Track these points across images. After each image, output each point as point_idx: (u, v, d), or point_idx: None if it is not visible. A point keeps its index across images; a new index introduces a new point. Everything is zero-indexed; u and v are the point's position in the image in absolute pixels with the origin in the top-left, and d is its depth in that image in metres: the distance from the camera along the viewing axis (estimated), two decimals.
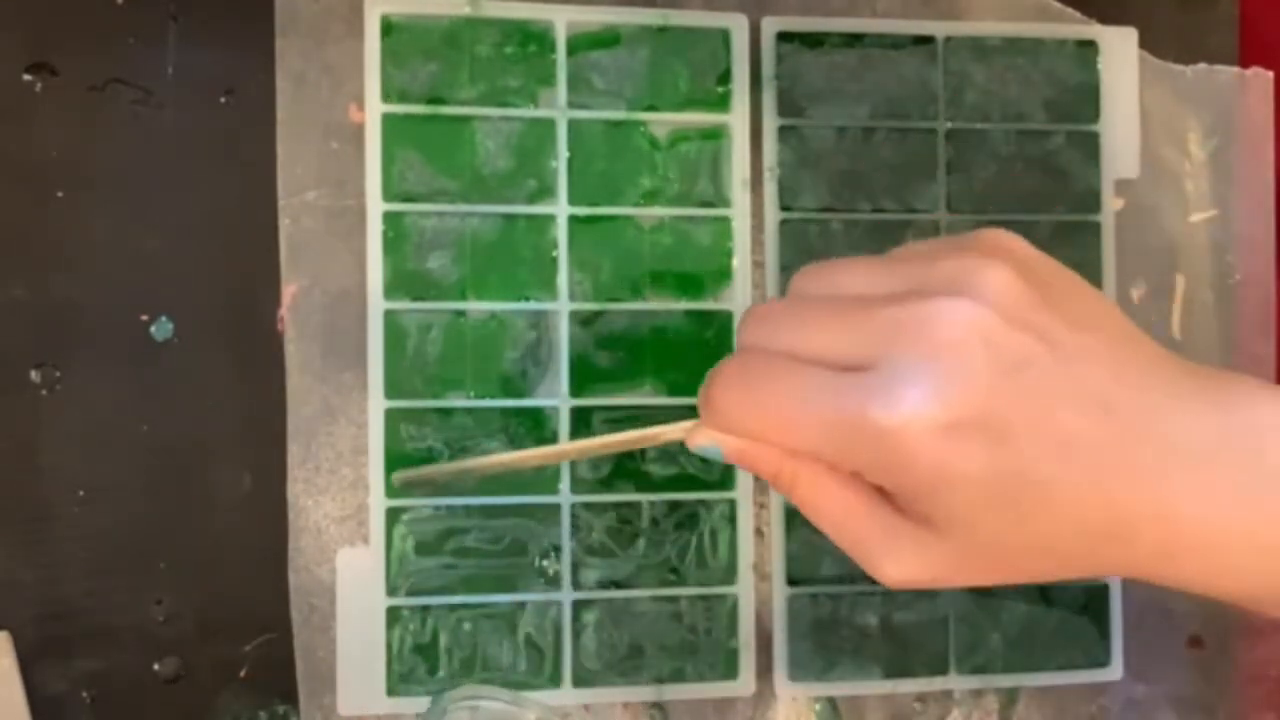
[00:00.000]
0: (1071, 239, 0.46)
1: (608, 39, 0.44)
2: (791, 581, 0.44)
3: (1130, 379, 0.27)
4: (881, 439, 0.26)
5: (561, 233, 0.43)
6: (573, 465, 0.43)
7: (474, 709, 0.34)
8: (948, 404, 0.26)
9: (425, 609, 0.42)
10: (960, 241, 0.29)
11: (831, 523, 0.29)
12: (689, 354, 0.43)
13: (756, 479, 0.44)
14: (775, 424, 0.28)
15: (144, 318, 0.41)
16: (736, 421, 0.29)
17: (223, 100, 0.42)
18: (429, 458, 0.42)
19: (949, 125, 0.45)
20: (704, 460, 0.40)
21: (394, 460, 0.42)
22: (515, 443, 0.42)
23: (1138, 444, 0.27)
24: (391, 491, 0.42)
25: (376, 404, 0.42)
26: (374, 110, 0.42)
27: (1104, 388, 0.27)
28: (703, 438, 0.30)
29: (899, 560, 0.28)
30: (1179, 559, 0.28)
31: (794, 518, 0.44)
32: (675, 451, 0.43)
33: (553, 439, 0.43)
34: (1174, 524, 0.27)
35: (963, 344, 0.26)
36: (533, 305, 0.43)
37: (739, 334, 0.30)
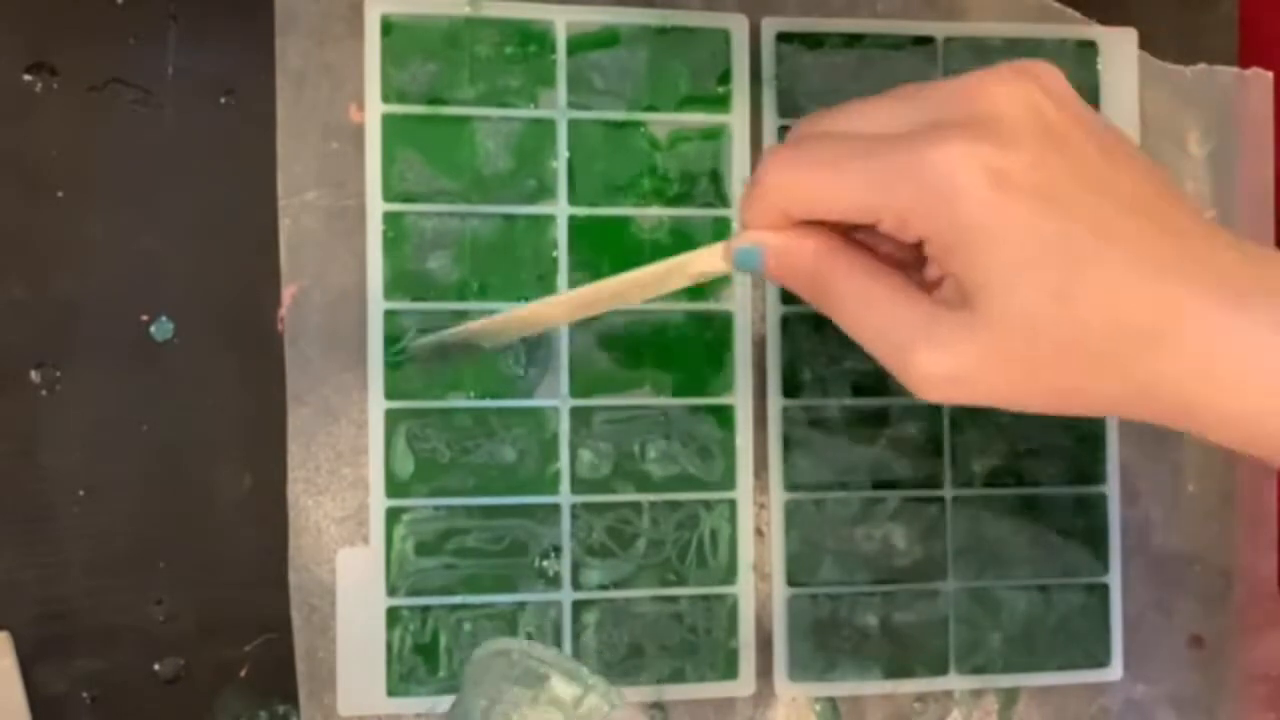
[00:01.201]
0: None
1: (608, 39, 0.44)
2: (791, 581, 0.44)
3: (1176, 195, 0.28)
4: (931, 175, 0.26)
5: (561, 233, 0.43)
6: (573, 465, 0.43)
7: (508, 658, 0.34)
8: (997, 151, 0.26)
9: (425, 609, 0.42)
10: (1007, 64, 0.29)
11: (865, 315, 0.29)
12: (689, 354, 0.43)
13: (757, 477, 0.44)
14: (825, 180, 0.28)
15: (144, 318, 0.41)
16: (786, 189, 0.29)
17: (223, 100, 0.42)
18: (431, 458, 0.42)
19: None
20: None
21: (394, 460, 0.42)
22: (516, 444, 0.42)
23: (1183, 247, 0.27)
24: (392, 491, 0.42)
25: (376, 404, 0.42)
26: (374, 110, 0.42)
27: (1146, 196, 0.27)
28: (743, 240, 0.30)
29: (934, 347, 0.28)
30: (1216, 379, 0.27)
31: (794, 517, 0.44)
32: (675, 452, 0.43)
33: (553, 440, 0.43)
34: (1218, 332, 0.26)
35: (1017, 113, 0.27)
36: None
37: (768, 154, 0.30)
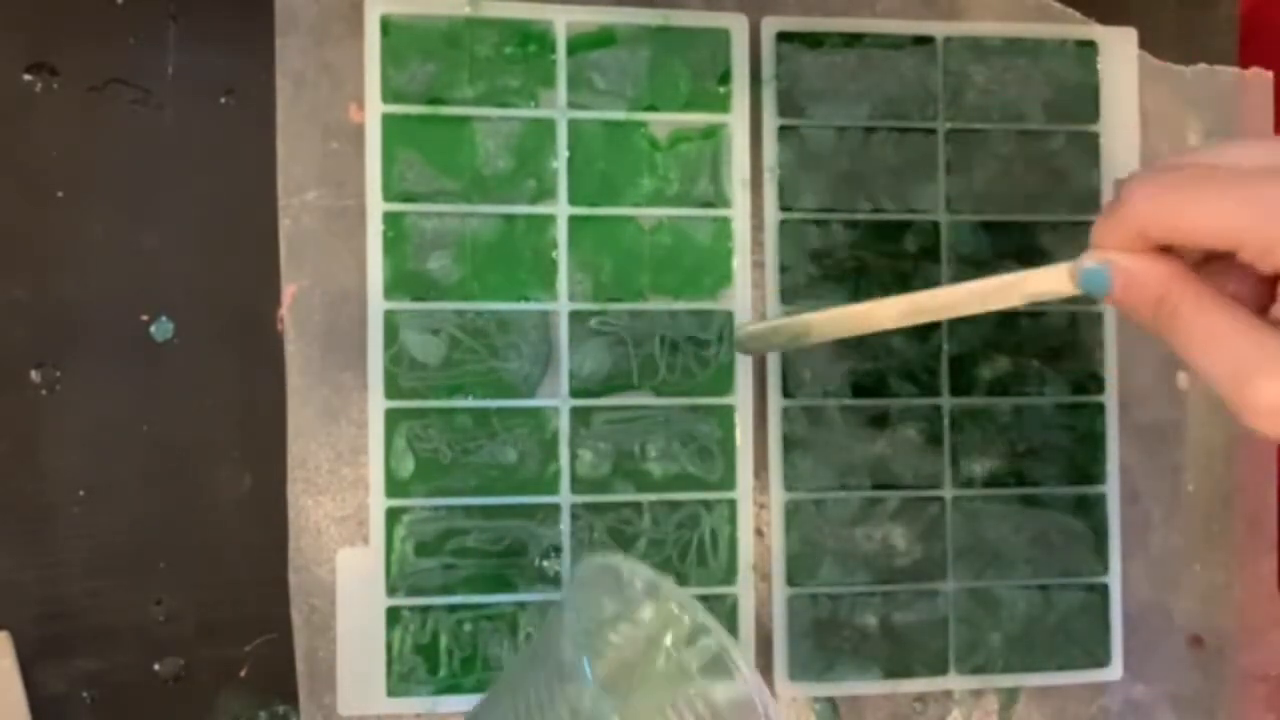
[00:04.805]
0: (1072, 239, 0.46)
1: (607, 39, 0.44)
2: (791, 581, 0.44)
3: None
4: None
5: (561, 233, 0.43)
6: (573, 465, 0.43)
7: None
8: None
9: (425, 609, 0.42)
10: None
11: (1213, 343, 0.29)
12: (689, 354, 0.43)
13: (757, 477, 0.44)
14: (1196, 200, 0.28)
15: (144, 318, 0.41)
16: (1151, 210, 0.29)
17: (223, 100, 0.42)
18: (431, 458, 0.42)
19: (949, 125, 0.45)
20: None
21: (394, 460, 0.42)
22: (517, 444, 0.42)
23: None
24: (391, 491, 0.42)
25: (376, 404, 0.42)
26: (374, 110, 0.42)
27: None
28: (1094, 260, 0.30)
29: (1272, 381, 0.28)
30: None
31: (794, 517, 0.44)
32: (675, 452, 0.43)
33: (553, 440, 0.43)
34: None
35: None
36: (533, 305, 0.43)
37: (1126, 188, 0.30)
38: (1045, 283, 0.32)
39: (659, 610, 0.34)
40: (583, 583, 0.33)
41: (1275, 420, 0.28)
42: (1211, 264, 0.30)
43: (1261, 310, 0.30)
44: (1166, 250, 0.30)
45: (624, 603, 0.34)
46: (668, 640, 0.34)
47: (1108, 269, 0.30)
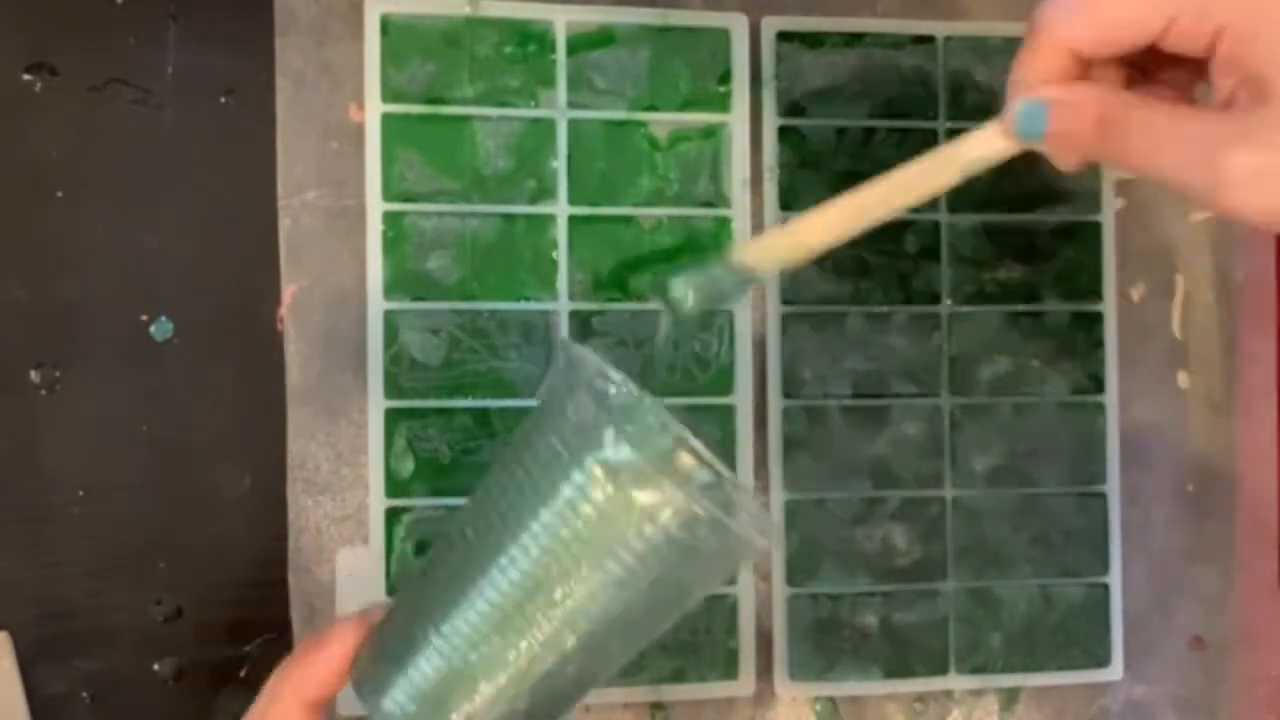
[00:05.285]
0: (1071, 239, 0.46)
1: (607, 39, 0.44)
2: (791, 581, 0.44)
3: None
4: None
5: (561, 233, 0.43)
6: None
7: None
8: None
9: None
10: None
11: (1166, 140, 0.28)
12: (689, 354, 0.43)
13: (756, 477, 0.44)
14: None
15: (144, 318, 0.41)
16: (1073, 20, 0.28)
17: (223, 100, 0.42)
18: (431, 458, 0.42)
19: (949, 125, 0.45)
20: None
21: (394, 460, 0.42)
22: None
23: None
24: (391, 491, 0.42)
25: (376, 404, 0.42)
26: (374, 110, 0.42)
27: None
28: (1022, 102, 0.29)
29: (1248, 150, 0.27)
30: None
31: (794, 517, 0.44)
32: None
33: None
34: None
35: None
36: (533, 305, 0.43)
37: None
38: (979, 146, 0.30)
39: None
40: (579, 361, 0.30)
41: (1251, 192, 0.27)
42: (1132, 86, 0.30)
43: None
44: (1085, 77, 0.29)
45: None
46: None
47: (1044, 104, 0.29)
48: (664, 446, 0.33)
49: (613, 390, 0.32)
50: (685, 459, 0.33)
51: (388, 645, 0.30)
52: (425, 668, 0.29)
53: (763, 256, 0.33)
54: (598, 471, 0.27)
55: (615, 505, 0.27)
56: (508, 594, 0.28)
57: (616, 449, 0.27)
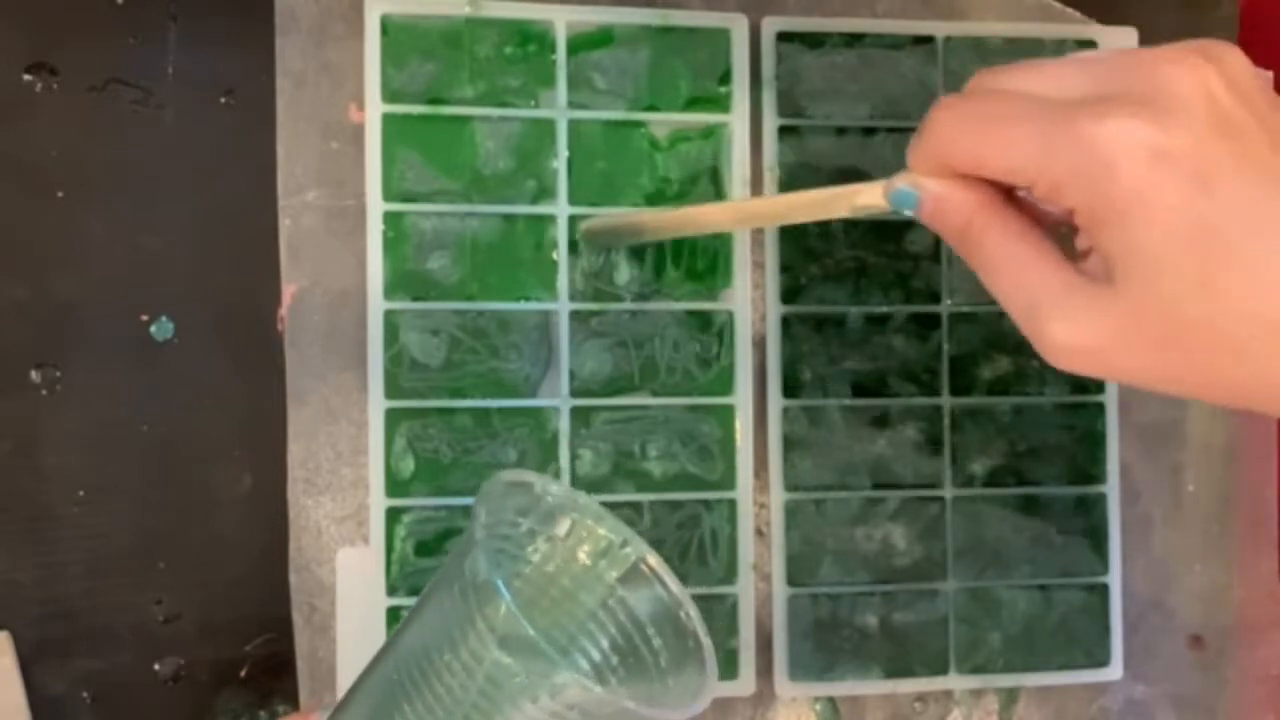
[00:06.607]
0: (1071, 239, 0.46)
1: (607, 39, 0.44)
2: (791, 581, 0.44)
3: None
4: (1090, 146, 0.26)
5: (561, 233, 0.43)
6: (572, 466, 0.43)
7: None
8: (1160, 130, 0.26)
9: None
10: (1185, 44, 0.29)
11: (1012, 276, 0.29)
12: (690, 355, 0.43)
13: (757, 477, 0.44)
14: (987, 138, 0.28)
15: (144, 318, 0.41)
16: (950, 141, 0.29)
17: (223, 100, 0.42)
18: (431, 458, 0.42)
19: None
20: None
21: (394, 460, 0.42)
22: (517, 444, 0.42)
23: None
24: (392, 491, 0.42)
25: (376, 404, 0.42)
26: (374, 110, 0.42)
27: None
28: (904, 181, 0.30)
29: (1071, 319, 0.28)
30: None
31: (794, 517, 0.44)
32: (675, 451, 0.43)
33: (553, 440, 0.43)
34: None
35: (1188, 95, 0.27)
36: (533, 305, 0.43)
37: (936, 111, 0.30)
38: (866, 197, 0.32)
39: (575, 525, 0.34)
40: (491, 497, 0.32)
41: (1071, 359, 0.28)
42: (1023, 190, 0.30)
43: (1072, 237, 0.30)
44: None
45: (539, 518, 0.33)
46: (583, 553, 0.34)
47: (916, 192, 0.30)
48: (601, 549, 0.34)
49: (547, 495, 0.33)
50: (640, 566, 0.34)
51: None
52: None
53: (663, 224, 0.40)
54: (487, 639, 0.27)
55: (508, 672, 0.27)
56: None
57: (507, 619, 0.27)
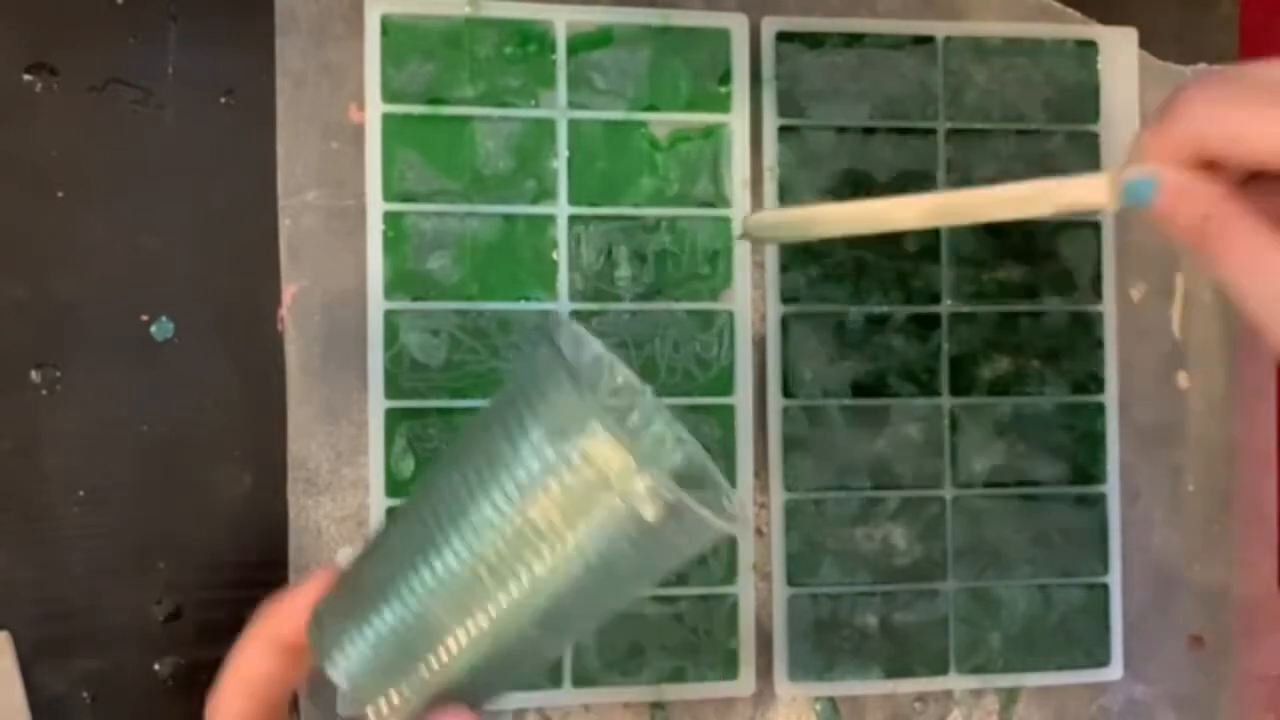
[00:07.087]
0: (1072, 239, 0.46)
1: (607, 39, 0.44)
2: (791, 581, 0.44)
3: None
4: None
5: (561, 233, 0.43)
6: None
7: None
8: None
9: None
10: None
11: (1259, 268, 0.28)
12: (690, 355, 0.43)
13: (756, 477, 0.44)
14: (1258, 114, 0.27)
15: (144, 318, 0.41)
16: (1211, 120, 0.28)
17: (223, 100, 0.42)
18: (431, 458, 0.42)
19: (949, 125, 0.45)
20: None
21: (394, 460, 0.42)
22: None
23: None
24: (392, 491, 0.42)
25: (376, 404, 0.42)
26: (374, 110, 0.42)
27: None
28: (1140, 171, 0.29)
29: None
30: None
31: (794, 517, 0.44)
32: None
33: None
34: None
35: None
36: (533, 305, 0.43)
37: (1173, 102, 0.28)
38: (1079, 192, 0.30)
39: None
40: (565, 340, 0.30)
41: None
42: (1249, 183, 0.29)
43: None
44: (1210, 166, 0.29)
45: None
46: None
47: (1156, 181, 0.29)
48: (654, 437, 0.32)
49: (607, 376, 0.32)
50: (671, 450, 0.32)
51: (346, 599, 0.29)
52: (379, 628, 0.28)
53: (839, 219, 0.35)
54: (576, 457, 0.26)
55: (593, 491, 0.26)
56: (466, 565, 0.27)
57: (601, 436, 0.26)
